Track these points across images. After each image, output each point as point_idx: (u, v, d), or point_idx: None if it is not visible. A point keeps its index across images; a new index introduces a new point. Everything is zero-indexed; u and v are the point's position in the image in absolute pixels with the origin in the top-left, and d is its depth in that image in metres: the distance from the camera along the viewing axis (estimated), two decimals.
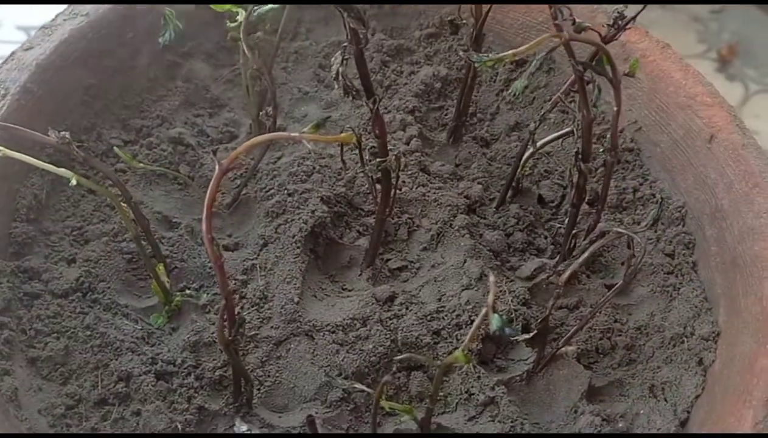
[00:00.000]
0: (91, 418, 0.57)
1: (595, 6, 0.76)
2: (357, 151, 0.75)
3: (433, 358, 0.62)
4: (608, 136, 0.58)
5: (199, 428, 0.58)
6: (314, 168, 0.73)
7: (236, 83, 0.82)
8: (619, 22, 0.57)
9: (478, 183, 0.75)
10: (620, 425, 0.58)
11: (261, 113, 0.71)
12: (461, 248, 0.68)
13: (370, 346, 0.62)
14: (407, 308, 0.65)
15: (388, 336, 0.62)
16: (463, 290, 0.65)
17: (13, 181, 0.65)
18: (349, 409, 0.60)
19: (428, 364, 0.61)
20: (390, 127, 0.77)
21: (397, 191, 0.66)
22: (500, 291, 0.66)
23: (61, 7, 0.75)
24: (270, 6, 0.64)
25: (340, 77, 0.58)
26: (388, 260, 0.70)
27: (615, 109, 0.55)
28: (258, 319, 0.64)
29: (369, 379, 0.61)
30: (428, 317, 0.64)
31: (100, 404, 0.58)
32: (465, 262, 0.67)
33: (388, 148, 0.63)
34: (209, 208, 0.49)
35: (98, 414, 0.57)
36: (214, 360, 0.62)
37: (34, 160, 0.55)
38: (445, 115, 0.81)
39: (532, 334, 0.58)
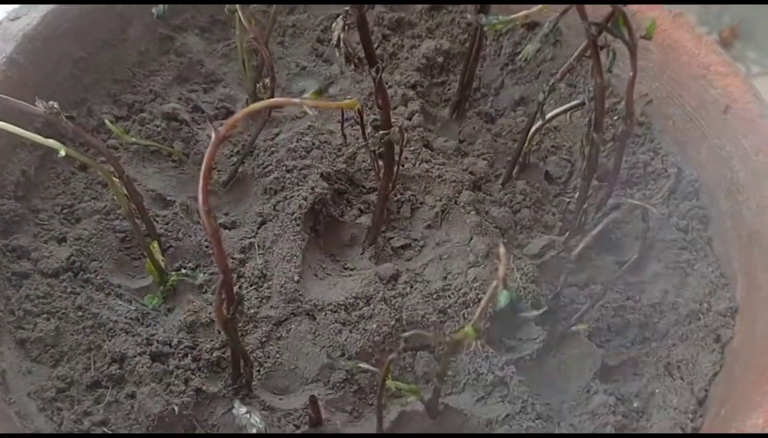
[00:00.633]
0: (84, 402, 0.55)
1: None
2: (357, 127, 0.73)
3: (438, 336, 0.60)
4: (623, 103, 0.55)
5: (196, 411, 0.56)
6: (313, 144, 0.70)
7: (231, 58, 0.79)
8: None
9: (483, 159, 0.72)
10: (635, 404, 0.56)
11: (258, 86, 0.68)
12: (467, 225, 0.66)
13: (374, 326, 0.59)
14: (412, 286, 0.63)
15: (393, 315, 0.60)
16: (469, 268, 0.63)
17: (0, 157, 0.62)
18: (352, 390, 0.58)
19: (435, 344, 0.59)
20: (391, 103, 0.74)
21: (400, 167, 0.64)
22: (508, 268, 0.64)
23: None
24: None
25: (342, 44, 0.55)
26: (390, 238, 0.68)
27: (630, 74, 0.52)
28: (257, 298, 0.61)
29: (373, 359, 0.59)
30: (434, 295, 0.62)
31: (93, 387, 0.55)
32: (471, 239, 0.65)
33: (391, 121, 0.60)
34: (206, 179, 0.47)
35: (91, 397, 0.55)
36: (211, 341, 0.59)
37: (21, 130, 0.52)
38: (448, 90, 0.79)
39: (542, 311, 0.56)
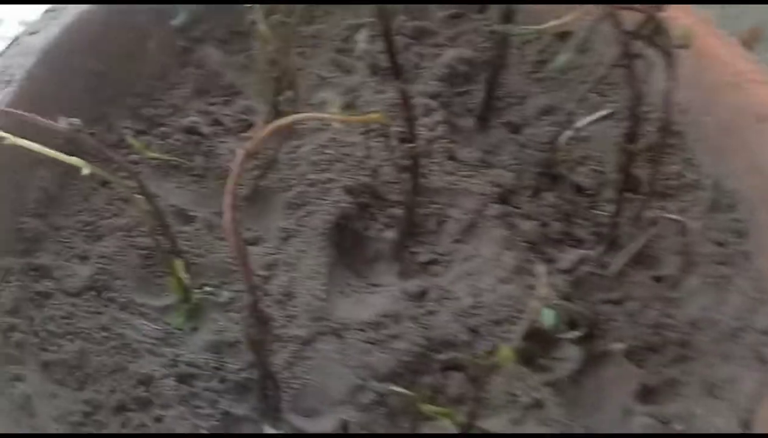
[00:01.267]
0: (110, 426, 0.53)
1: None
2: (380, 138, 0.72)
3: (472, 358, 0.58)
4: (656, 113, 0.53)
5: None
6: (336, 156, 0.69)
7: (251, 69, 0.77)
8: None
9: (510, 170, 0.70)
10: (677, 427, 0.54)
11: (280, 99, 0.66)
12: (495, 239, 0.64)
13: (404, 346, 0.58)
14: (440, 304, 0.61)
15: (422, 334, 0.58)
16: (500, 284, 0.61)
17: (20, 174, 0.61)
18: (383, 413, 0.56)
19: (469, 364, 0.58)
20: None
21: (424, 180, 0.62)
22: (544, 286, 0.62)
23: None
24: None
25: (366, 55, 0.54)
26: (416, 253, 0.66)
27: (669, 82, 0.51)
28: (283, 317, 0.60)
29: (404, 380, 0.57)
30: (464, 314, 0.60)
31: (119, 410, 0.54)
32: (500, 254, 0.63)
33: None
34: (232, 195, 0.45)
35: (117, 421, 0.54)
36: (237, 361, 0.58)
37: (44, 148, 0.51)
38: (471, 99, 0.77)
39: (584, 331, 0.54)
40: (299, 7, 0.66)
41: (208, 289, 0.62)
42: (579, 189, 0.70)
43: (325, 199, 0.65)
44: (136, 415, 0.54)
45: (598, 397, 0.57)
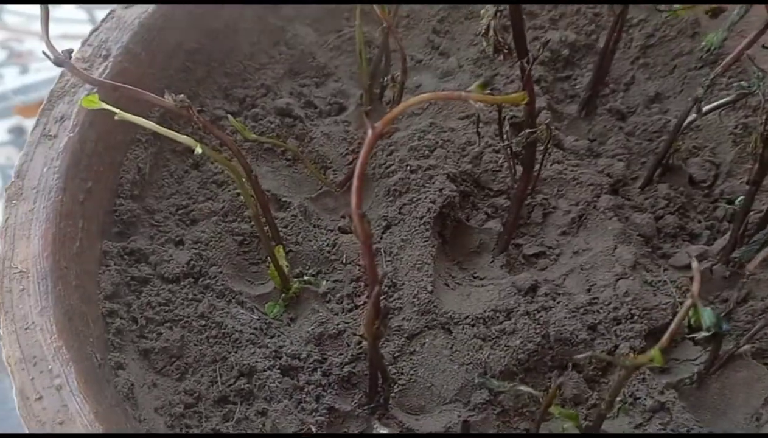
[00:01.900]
0: (212, 418, 0.51)
1: None
2: (480, 125, 0.69)
3: (591, 358, 0.54)
4: None
5: (330, 430, 0.51)
6: (437, 142, 0.66)
7: (343, 50, 0.75)
8: None
9: (619, 160, 0.67)
10: None
11: (386, 79, 0.64)
12: (609, 232, 0.61)
13: (518, 342, 0.55)
14: (554, 299, 0.58)
15: (538, 331, 0.55)
16: (617, 279, 0.58)
17: (116, 153, 0.59)
18: (496, 412, 0.53)
19: (585, 364, 0.54)
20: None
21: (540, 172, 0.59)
22: (659, 281, 0.58)
23: None
24: None
25: (491, 32, 0.51)
26: (521, 245, 0.63)
27: None
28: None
29: (518, 379, 0.54)
30: (581, 310, 0.57)
31: (220, 402, 0.52)
32: (615, 248, 0.60)
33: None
34: (360, 179, 0.42)
35: (219, 413, 0.51)
36: (340, 355, 0.55)
37: (151, 123, 0.48)
38: (574, 85, 0.73)
39: (725, 330, 0.50)
40: None
41: (306, 278, 0.59)
42: (692, 181, 0.66)
43: (428, 187, 0.62)
44: (239, 408, 0.51)
45: (724, 401, 0.54)
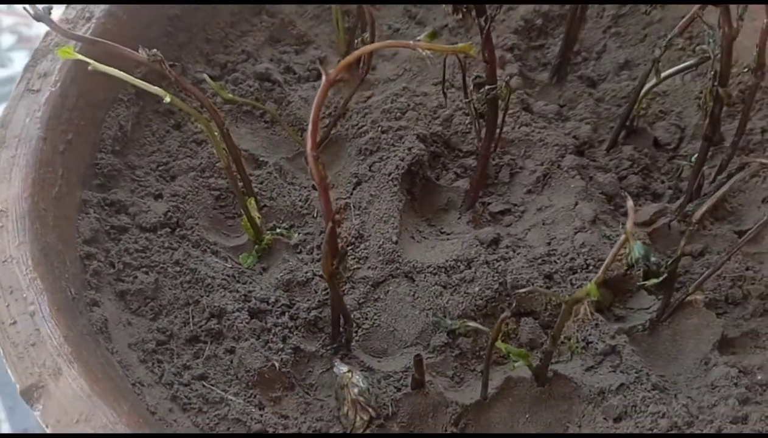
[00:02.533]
0: (183, 355, 0.54)
1: None
2: (452, 89, 0.71)
3: (546, 304, 0.57)
4: (755, 54, 0.51)
5: (295, 369, 0.54)
6: (408, 105, 0.68)
7: (323, 19, 0.77)
8: None
9: (587, 123, 0.69)
10: (759, 377, 0.52)
11: (357, 41, 0.66)
12: (571, 190, 0.63)
13: (477, 289, 0.57)
14: (514, 251, 0.60)
15: (496, 279, 0.57)
16: (576, 233, 0.60)
17: (97, 110, 0.62)
18: (454, 355, 0.56)
19: (541, 309, 0.57)
20: None
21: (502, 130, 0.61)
22: (618, 235, 0.61)
23: None
24: None
25: None
26: (488, 204, 0.65)
27: (766, 21, 0.49)
28: (354, 259, 0.60)
29: (476, 323, 0.56)
30: (538, 260, 0.59)
31: (192, 341, 0.54)
32: (576, 204, 0.62)
33: None
34: (315, 123, 0.45)
35: (190, 351, 0.54)
36: (308, 300, 0.58)
37: (127, 75, 0.51)
38: (547, 53, 0.75)
39: (662, 278, 0.52)
40: None
41: (279, 230, 0.62)
42: (657, 143, 0.68)
43: (397, 146, 0.64)
44: (209, 346, 0.54)
45: (674, 347, 0.56)
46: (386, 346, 0.57)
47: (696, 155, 0.59)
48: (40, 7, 0.51)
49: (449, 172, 0.67)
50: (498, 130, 0.61)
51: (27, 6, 0.51)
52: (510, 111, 0.69)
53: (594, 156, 0.67)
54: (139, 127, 0.65)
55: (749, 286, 0.58)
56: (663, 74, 0.61)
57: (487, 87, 0.57)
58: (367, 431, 0.51)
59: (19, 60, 1.14)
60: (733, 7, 0.51)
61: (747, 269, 0.59)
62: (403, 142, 0.65)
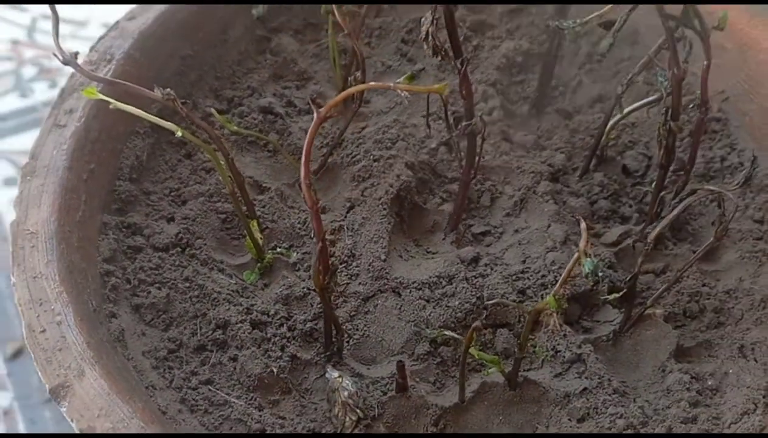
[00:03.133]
0: (191, 362, 0.60)
1: None
2: (440, 121, 0.77)
3: (519, 316, 0.63)
4: (697, 92, 0.58)
5: (292, 375, 0.60)
6: (399, 136, 0.75)
7: (322, 57, 0.84)
8: None
9: (561, 152, 0.75)
10: (709, 383, 0.58)
11: (349, 80, 0.73)
12: (545, 213, 0.69)
13: (457, 303, 0.63)
14: (492, 269, 0.66)
15: (474, 293, 0.63)
16: (548, 252, 0.66)
17: (117, 142, 0.69)
18: (435, 362, 0.62)
19: (515, 321, 0.62)
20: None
21: (480, 159, 0.67)
22: (586, 253, 0.66)
23: None
24: None
25: (430, 37, 0.59)
26: (471, 225, 0.71)
27: (705, 63, 0.55)
28: (346, 275, 0.66)
29: (455, 334, 0.62)
30: (513, 277, 0.65)
31: (199, 350, 0.61)
32: (549, 226, 0.68)
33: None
34: (307, 154, 0.51)
35: (198, 359, 0.60)
36: (304, 313, 0.64)
37: (142, 112, 0.58)
38: (527, 87, 0.82)
39: (621, 293, 0.58)
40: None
41: (279, 250, 0.68)
42: (627, 171, 0.74)
43: (387, 173, 0.71)
44: (214, 355, 0.60)
45: (635, 356, 0.61)
46: (375, 355, 0.63)
47: (654, 182, 0.65)
48: (67, 52, 0.58)
49: (435, 196, 0.73)
50: (477, 159, 0.67)
51: (56, 52, 0.58)
52: (491, 141, 0.75)
53: (567, 182, 0.73)
54: (153, 157, 0.72)
55: (705, 301, 0.63)
56: (627, 109, 0.67)
57: (464, 122, 0.63)
58: (356, 431, 0.57)
59: (40, 91, 1.21)
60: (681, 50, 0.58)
61: (704, 285, 0.64)
62: (393, 170, 0.71)
